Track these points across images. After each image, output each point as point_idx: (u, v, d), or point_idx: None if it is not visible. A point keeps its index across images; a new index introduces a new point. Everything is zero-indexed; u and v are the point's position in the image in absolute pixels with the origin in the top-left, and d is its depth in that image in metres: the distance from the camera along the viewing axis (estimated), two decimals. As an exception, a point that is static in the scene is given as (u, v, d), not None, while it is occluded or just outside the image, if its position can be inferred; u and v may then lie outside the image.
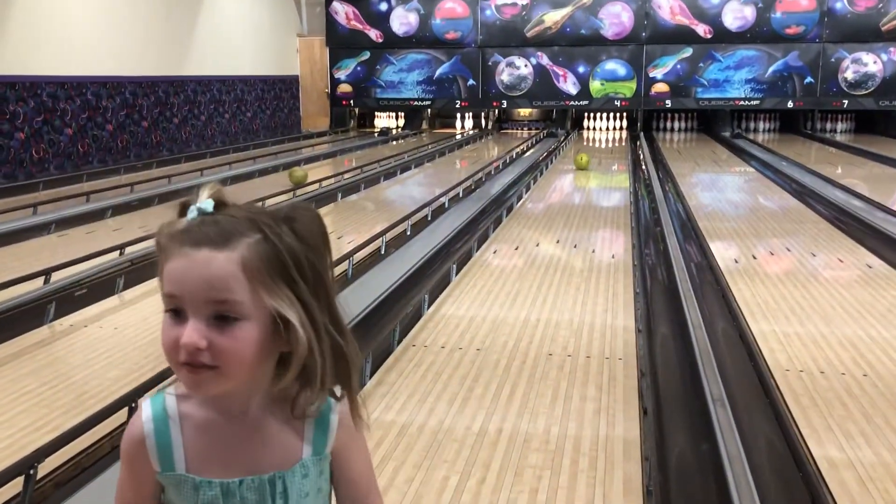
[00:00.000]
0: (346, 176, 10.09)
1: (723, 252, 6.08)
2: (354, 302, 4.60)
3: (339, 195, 8.78)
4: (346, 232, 6.84)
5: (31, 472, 2.45)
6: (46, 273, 4.90)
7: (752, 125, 16.74)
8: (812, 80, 15.76)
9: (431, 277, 5.34)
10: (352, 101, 17.61)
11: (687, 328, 4.15)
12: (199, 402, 0.99)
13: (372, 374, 3.53)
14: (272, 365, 0.97)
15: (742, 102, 16.15)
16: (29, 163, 10.11)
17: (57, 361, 3.77)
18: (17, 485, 2.44)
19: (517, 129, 17.64)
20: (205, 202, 0.94)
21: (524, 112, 17.73)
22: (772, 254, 6.07)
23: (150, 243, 4.98)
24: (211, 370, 0.91)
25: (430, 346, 3.93)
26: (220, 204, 0.95)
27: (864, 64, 15.59)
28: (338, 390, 1.03)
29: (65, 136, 10.76)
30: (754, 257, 5.94)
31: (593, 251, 6.20)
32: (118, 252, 5.67)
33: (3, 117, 9.68)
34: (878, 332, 4.15)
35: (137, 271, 5.21)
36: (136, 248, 5.74)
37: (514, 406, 3.21)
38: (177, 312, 0.92)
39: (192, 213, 0.94)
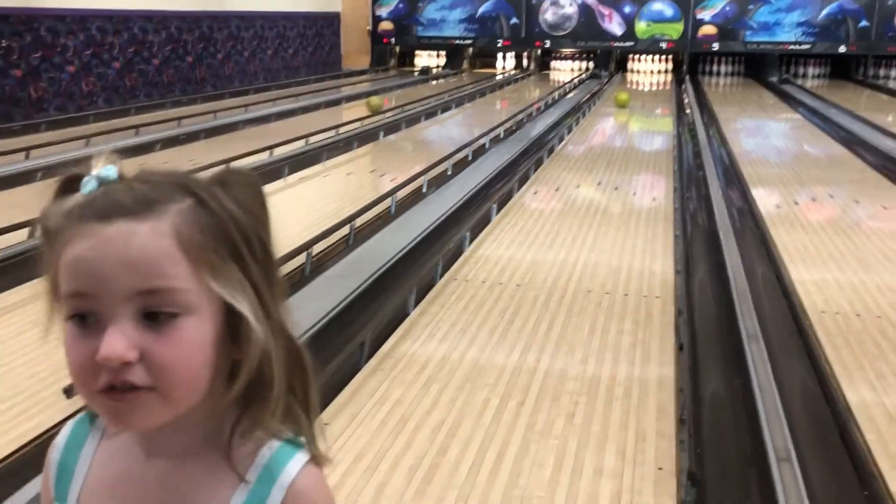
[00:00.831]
0: (387, 115, 10.13)
1: (765, 198, 6.07)
2: (397, 238, 4.74)
3: (381, 134, 8.85)
4: (388, 170, 6.94)
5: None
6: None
7: (801, 70, 16.31)
8: (867, 23, 15.25)
9: (472, 216, 5.43)
10: (393, 39, 17.50)
11: (725, 270, 4.22)
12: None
13: (416, 304, 3.67)
14: (220, 380, 0.70)
15: (792, 47, 15.73)
16: (79, 96, 10.31)
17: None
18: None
19: (559, 61, 17.33)
20: (105, 169, 0.68)
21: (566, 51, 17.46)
22: (814, 200, 6.05)
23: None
24: (147, 393, 0.65)
25: (472, 281, 4.06)
26: (122, 176, 0.69)
27: (924, 8, 15.04)
28: (287, 432, 0.73)
29: (112, 69, 10.93)
30: (796, 203, 5.92)
31: (634, 194, 6.23)
32: (169, 184, 5.84)
33: (54, 51, 9.86)
34: (917, 279, 4.16)
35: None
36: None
37: (553, 338, 3.33)
38: (84, 318, 0.65)
39: (87, 184, 0.68)
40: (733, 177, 6.98)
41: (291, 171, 6.67)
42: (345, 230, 4.78)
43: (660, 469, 2.36)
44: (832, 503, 2.27)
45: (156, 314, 0.65)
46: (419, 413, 2.69)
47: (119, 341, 0.63)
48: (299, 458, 0.73)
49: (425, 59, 17.87)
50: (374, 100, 10.56)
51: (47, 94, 9.84)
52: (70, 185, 0.69)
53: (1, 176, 6.19)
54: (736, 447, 2.58)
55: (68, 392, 2.62)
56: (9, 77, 9.28)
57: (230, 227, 0.68)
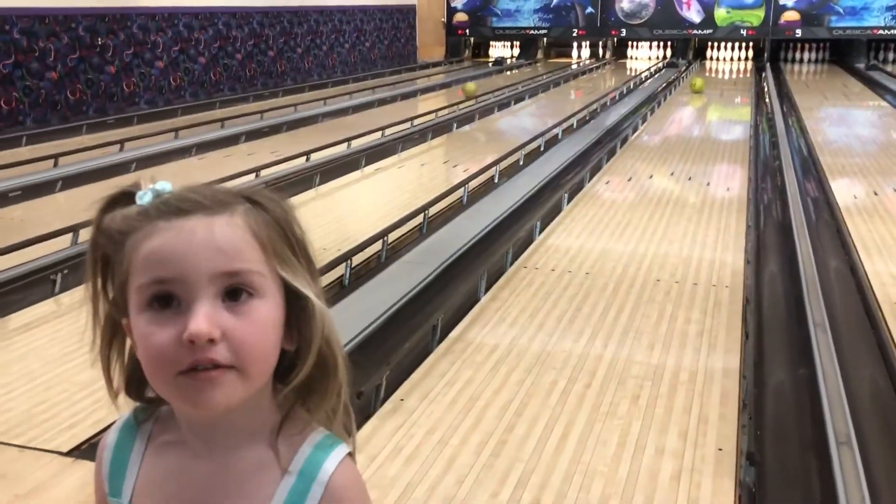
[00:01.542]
0: (460, 106, 10.28)
1: (843, 189, 5.96)
2: (469, 227, 4.88)
3: (455, 125, 9.00)
4: (460, 161, 7.09)
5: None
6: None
7: (890, 56, 15.70)
8: (963, 6, 14.59)
9: (543, 206, 5.53)
10: (467, 31, 17.62)
11: (796, 261, 4.21)
12: (175, 424, 0.78)
13: (486, 290, 3.81)
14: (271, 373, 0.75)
15: (881, 31, 15.16)
16: (167, 90, 10.81)
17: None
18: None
19: (636, 50, 17.14)
20: (160, 184, 0.74)
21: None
22: (896, 191, 5.91)
23: (283, 168, 5.49)
24: (228, 371, 0.69)
25: (541, 269, 4.17)
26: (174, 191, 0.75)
27: None
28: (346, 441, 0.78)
29: (199, 64, 11.40)
30: (876, 194, 5.81)
31: (708, 184, 6.21)
32: (254, 174, 6.14)
33: (145, 47, 10.37)
34: None
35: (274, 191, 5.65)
36: (272, 170, 6.22)
37: (620, 325, 3.42)
38: (168, 303, 0.70)
39: (144, 197, 0.73)
40: (810, 167, 6.87)
41: (368, 163, 6.89)
42: (418, 219, 4.95)
43: (720, 450, 2.45)
44: (892, 489, 2.31)
45: (237, 292, 0.70)
46: (488, 393, 2.83)
47: (205, 318, 0.68)
48: (338, 453, 0.76)
49: (500, 49, 17.93)
50: (470, 85, 11.54)
51: (138, 89, 10.35)
52: (120, 201, 0.75)
53: (98, 167, 6.60)
54: (797, 431, 2.64)
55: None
56: (104, 73, 9.81)
57: (284, 228, 0.74)
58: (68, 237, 4.37)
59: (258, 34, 12.62)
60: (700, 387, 2.86)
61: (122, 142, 7.50)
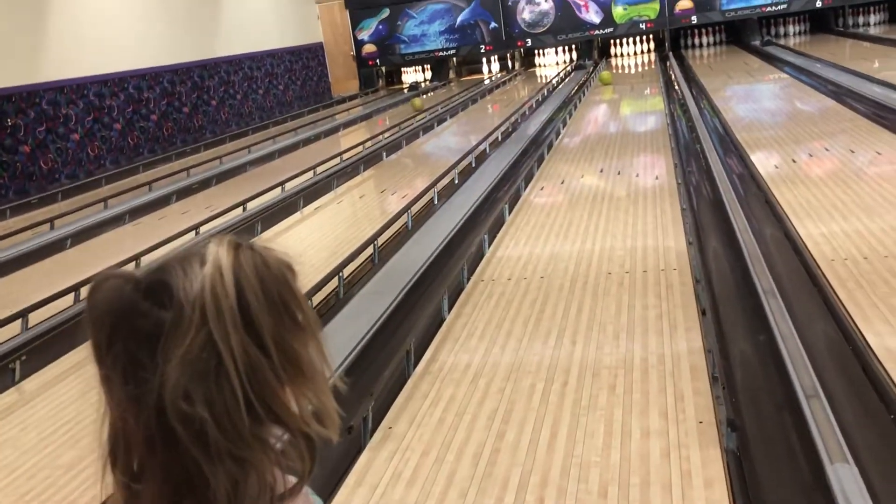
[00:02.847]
0: (385, 135, 10.39)
1: (763, 160, 6.26)
2: (420, 250, 4.96)
3: (384, 154, 9.10)
4: (397, 188, 7.18)
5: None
6: (136, 259, 5.35)
7: (781, 30, 16.49)
8: (839, -26, 15.44)
9: (486, 219, 5.66)
10: (377, 61, 17.79)
11: (735, 235, 4.42)
12: None
13: (450, 309, 3.89)
14: None
15: (769, 8, 15.92)
16: (87, 161, 10.62)
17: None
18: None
19: (543, 57, 17.57)
20: None
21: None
22: (811, 156, 6.24)
23: (221, 221, 5.39)
24: None
25: (498, 280, 4.28)
26: None
27: (893, -49, 15.20)
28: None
29: (115, 131, 11.25)
30: (794, 161, 6.12)
31: (637, 175, 6.44)
32: (193, 232, 6.10)
33: (57, 122, 10.18)
34: (919, 216, 4.36)
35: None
36: (210, 225, 6.19)
37: (584, 320, 3.55)
38: None
39: None
40: (729, 145, 7.19)
41: (306, 203, 6.91)
42: (369, 250, 5.01)
43: (700, 422, 2.57)
44: (862, 430, 2.47)
45: None
46: (473, 406, 2.91)
47: None
48: None
49: (412, 75, 18.15)
50: (417, 101, 12.87)
51: (57, 165, 10.15)
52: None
53: (32, 249, 6.45)
54: (768, 393, 2.79)
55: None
56: (18, 153, 9.59)
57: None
58: (17, 324, 4.29)
59: (170, 92, 12.52)
60: (670, 367, 2.99)
61: (51, 220, 7.35)
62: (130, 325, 0.71)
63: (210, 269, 0.71)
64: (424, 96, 15.40)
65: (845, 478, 2.11)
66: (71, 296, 4.76)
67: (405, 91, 16.65)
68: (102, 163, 10.88)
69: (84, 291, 4.77)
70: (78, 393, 3.58)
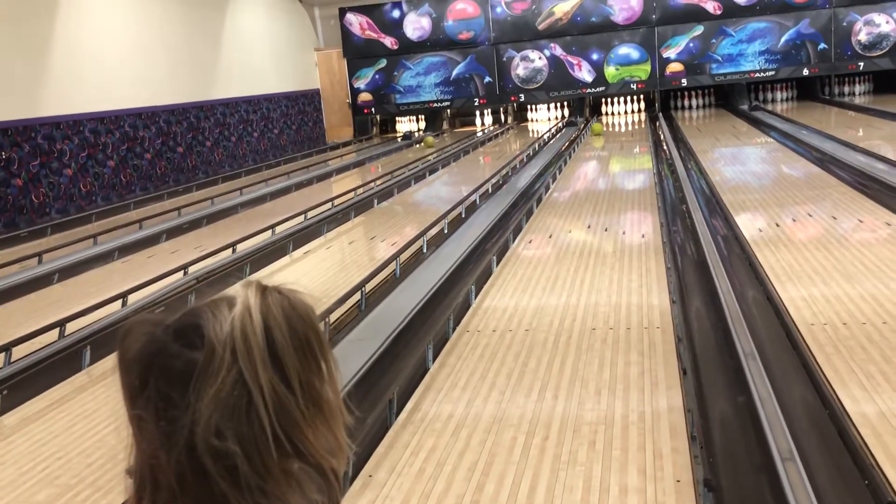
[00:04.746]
0: (377, 182, 10.50)
1: (748, 223, 6.38)
2: (407, 299, 5.00)
3: (375, 201, 9.19)
4: (387, 235, 7.24)
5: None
6: (124, 296, 5.35)
7: (769, 96, 16.89)
8: (826, 45, 15.88)
9: (474, 270, 5.71)
10: (373, 109, 18.04)
11: (718, 296, 4.48)
12: None
13: (434, 358, 3.92)
14: None
15: (757, 74, 16.32)
16: (78, 197, 10.65)
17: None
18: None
19: (536, 112, 17.87)
20: None
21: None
22: (794, 220, 6.36)
23: (210, 262, 5.45)
24: None
25: (483, 331, 4.32)
26: None
27: (877, 25, 15.68)
28: None
29: (108, 168, 11.31)
30: (777, 225, 6.23)
31: (623, 233, 6.54)
32: (182, 272, 6.12)
33: (51, 156, 10.24)
34: (897, 284, 4.44)
35: (204, 288, 5.66)
36: (199, 266, 6.20)
37: (566, 375, 3.58)
38: None
39: None
40: (715, 206, 7.31)
41: (296, 247, 6.96)
42: (356, 296, 5.04)
43: (678, 481, 2.60)
44: (836, 495, 2.50)
45: None
46: (453, 457, 2.92)
47: None
48: None
49: (406, 124, 18.40)
50: (430, 139, 14.36)
51: (48, 199, 10.17)
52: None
53: (19, 283, 6.44)
54: (745, 454, 2.82)
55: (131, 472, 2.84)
56: (11, 186, 9.62)
57: None
58: (0, 357, 4.28)
59: (166, 132, 12.63)
60: (650, 424, 3.02)
61: (39, 254, 7.35)
62: (162, 366, 0.75)
63: (239, 310, 0.75)
64: (418, 146, 15.59)
65: (818, 542, 2.13)
66: (56, 331, 4.76)
67: (399, 140, 16.86)
68: (94, 199, 10.92)
69: (69, 327, 4.78)
70: (59, 429, 3.56)
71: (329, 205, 8.88)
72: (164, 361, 0.75)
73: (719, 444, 2.91)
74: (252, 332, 0.75)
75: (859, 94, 16.25)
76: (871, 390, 3.13)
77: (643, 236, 6.34)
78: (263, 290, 0.78)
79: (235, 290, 0.79)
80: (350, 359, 3.97)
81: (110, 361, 4.35)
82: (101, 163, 11.17)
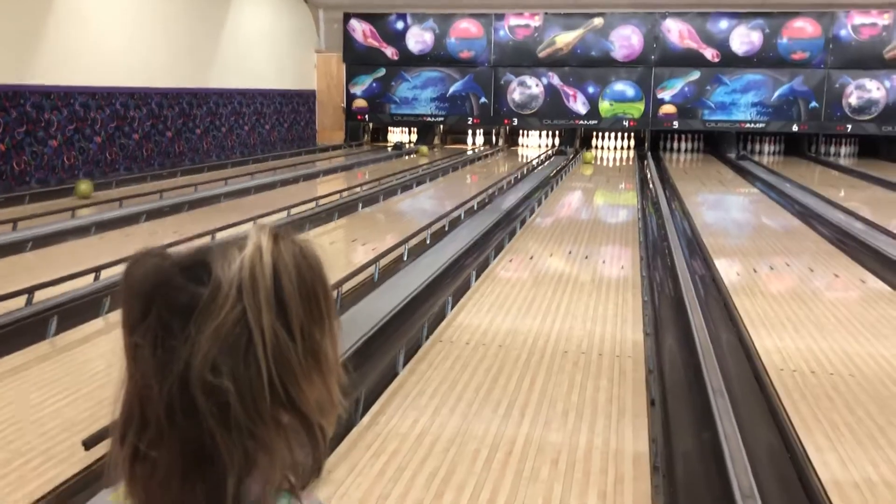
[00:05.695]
0: (363, 188, 10.48)
1: (726, 267, 6.43)
2: (383, 303, 4.98)
3: (360, 205, 9.16)
4: (368, 240, 7.22)
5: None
6: (97, 270, 5.28)
7: (757, 147, 17.13)
8: (816, 104, 16.16)
9: (453, 283, 5.70)
10: (366, 116, 18.06)
11: (691, 333, 4.51)
12: None
13: (405, 364, 3.89)
14: None
15: (748, 125, 16.56)
16: (60, 169, 10.53)
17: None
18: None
19: (527, 138, 17.98)
20: None
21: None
22: (772, 269, 6.43)
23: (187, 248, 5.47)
24: None
25: (456, 342, 4.30)
26: None
27: (868, 90, 16.00)
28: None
29: (94, 143, 11.19)
30: (755, 271, 6.30)
31: (603, 262, 6.57)
32: (158, 253, 6.04)
33: (38, 125, 10.12)
34: (867, 340, 4.50)
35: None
36: (175, 250, 6.12)
37: (535, 393, 3.57)
38: None
39: None
40: (696, 247, 7.37)
41: (275, 242, 6.90)
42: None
43: (638, 508, 2.59)
44: (793, 535, 2.51)
45: None
46: (415, 462, 2.90)
47: None
48: None
49: (398, 135, 18.42)
50: (424, 148, 15.30)
51: (29, 168, 10.04)
52: None
53: (-10, 246, 6.34)
54: (705, 489, 2.83)
55: (87, 444, 2.79)
56: (-7, 150, 9.49)
57: None
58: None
59: (156, 115, 12.54)
60: (614, 449, 3.02)
61: (14, 221, 7.24)
62: (166, 297, 0.74)
63: (250, 251, 0.75)
64: (407, 157, 15.61)
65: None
66: (23, 298, 4.68)
67: (389, 149, 16.88)
68: (76, 173, 10.78)
69: (37, 295, 4.70)
70: (15, 396, 3.49)
71: (313, 204, 8.85)
72: (169, 292, 0.74)
73: (681, 477, 2.91)
74: (261, 273, 0.74)
75: (844, 156, 16.53)
76: (834, 439, 3.15)
77: (622, 268, 6.37)
78: (276, 234, 0.78)
79: (247, 232, 0.78)
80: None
81: (76, 333, 4.31)
82: (87, 138, 11.05)
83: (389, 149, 16.94)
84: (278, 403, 0.75)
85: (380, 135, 18.59)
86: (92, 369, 3.84)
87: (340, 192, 9.89)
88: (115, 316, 4.64)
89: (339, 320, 0.82)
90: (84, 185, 9.58)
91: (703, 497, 2.78)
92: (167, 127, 12.82)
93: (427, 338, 4.32)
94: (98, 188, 9.98)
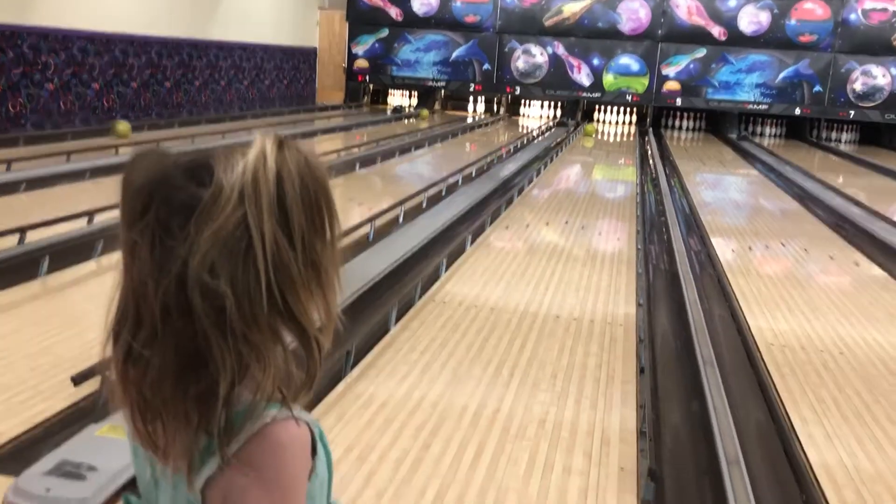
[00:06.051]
0: (361, 149, 10.41)
1: (722, 244, 6.43)
2: (377, 261, 4.96)
3: (357, 165, 9.11)
4: (365, 200, 7.18)
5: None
6: (90, 214, 5.24)
7: (758, 129, 17.05)
8: (821, 88, 16.07)
9: (447, 246, 5.68)
10: (367, 77, 17.87)
11: (684, 306, 4.51)
12: None
13: (397, 321, 3.89)
14: None
15: (751, 106, 16.47)
16: (56, 114, 10.41)
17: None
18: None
19: (529, 108, 17.86)
20: None
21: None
22: (768, 248, 6.43)
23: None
24: None
25: (449, 303, 4.29)
26: None
27: (874, 76, 15.90)
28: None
29: (91, 90, 11.06)
30: (751, 249, 6.30)
31: (599, 234, 6.56)
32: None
33: (35, 68, 9.98)
34: (859, 322, 4.51)
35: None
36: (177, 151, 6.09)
37: (525, 355, 3.58)
38: None
39: None
40: (693, 224, 7.36)
41: (271, 196, 6.85)
42: (326, 252, 4.98)
43: (622, 469, 2.61)
44: (774, 499, 2.53)
45: None
46: (403, 414, 2.90)
47: None
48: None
49: (398, 98, 18.26)
50: (425, 112, 15.32)
51: (25, 110, 9.92)
52: None
53: (-17, 185, 6.28)
54: (691, 454, 2.84)
55: (76, 380, 2.78)
56: (-11, 91, 9.37)
57: None
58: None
59: (156, 64, 12.38)
60: (601, 413, 3.03)
61: (8, 161, 7.17)
62: (166, 196, 0.73)
63: (254, 155, 0.73)
64: (406, 121, 15.50)
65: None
66: (15, 237, 4.64)
67: (388, 112, 16.74)
68: (72, 119, 10.67)
69: (30, 235, 4.66)
70: (6, 332, 3.48)
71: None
72: (169, 191, 0.72)
73: (667, 442, 2.93)
74: (264, 178, 0.72)
75: (845, 142, 16.48)
76: (820, 413, 3.17)
77: (618, 240, 6.36)
78: (281, 142, 0.76)
79: (252, 138, 0.76)
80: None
81: (68, 275, 4.28)
82: (85, 83, 10.92)
83: (389, 111, 16.81)
84: (275, 312, 0.73)
85: (380, 97, 18.41)
86: (83, 310, 3.83)
87: (338, 151, 9.82)
88: (108, 259, 4.63)
89: (341, 235, 0.80)
90: (122, 126, 9.60)
91: (688, 463, 2.79)
92: (166, 77, 12.67)
93: (420, 297, 4.31)
94: (92, 135, 9.88)
